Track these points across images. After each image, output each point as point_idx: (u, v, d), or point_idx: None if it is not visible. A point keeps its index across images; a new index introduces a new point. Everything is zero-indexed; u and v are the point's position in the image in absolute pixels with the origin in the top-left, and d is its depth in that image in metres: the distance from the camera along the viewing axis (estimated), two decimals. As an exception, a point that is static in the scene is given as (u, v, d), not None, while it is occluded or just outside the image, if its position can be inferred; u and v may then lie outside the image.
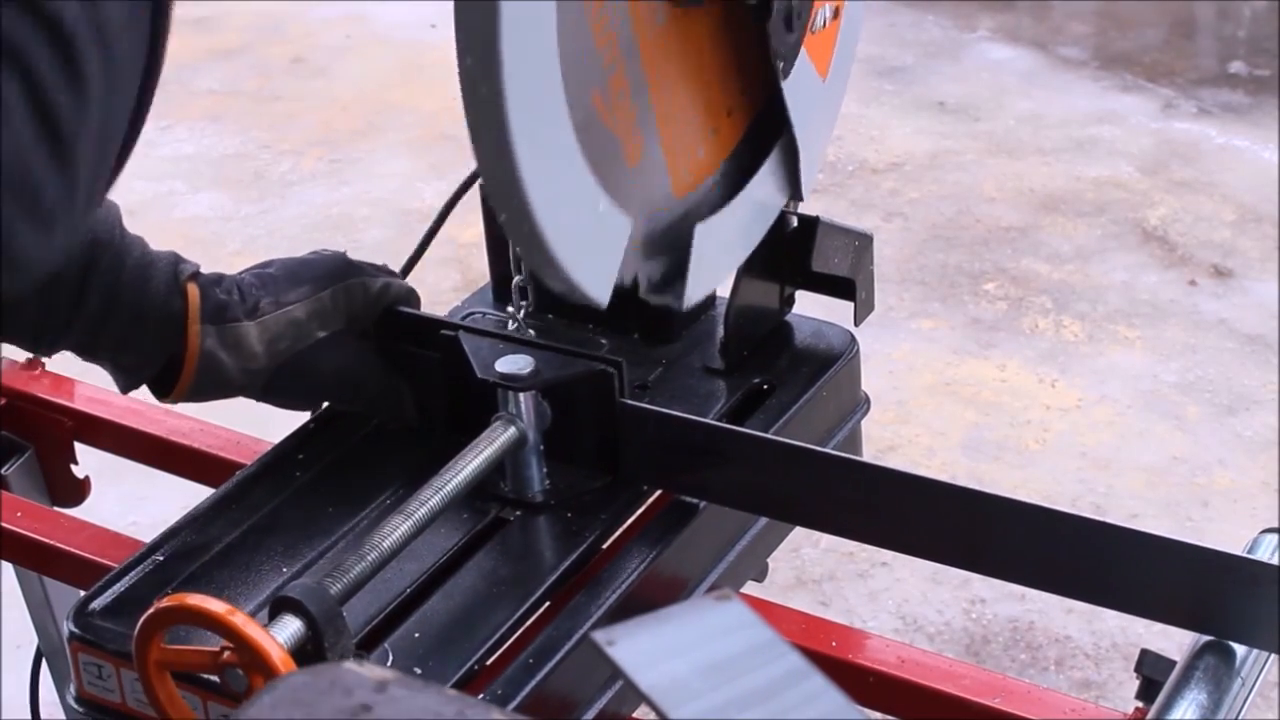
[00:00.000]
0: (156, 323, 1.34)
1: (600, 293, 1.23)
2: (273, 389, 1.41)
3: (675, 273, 1.37)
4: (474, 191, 1.57)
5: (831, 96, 1.51)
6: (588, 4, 1.19)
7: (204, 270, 1.41)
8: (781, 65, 1.39)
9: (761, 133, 1.44)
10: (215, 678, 1.13)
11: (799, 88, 1.42)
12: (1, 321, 1.31)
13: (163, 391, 1.39)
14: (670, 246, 1.36)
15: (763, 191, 1.44)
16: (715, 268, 1.42)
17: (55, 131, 0.89)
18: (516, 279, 1.51)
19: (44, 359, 1.81)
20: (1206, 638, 1.26)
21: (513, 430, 1.36)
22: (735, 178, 1.43)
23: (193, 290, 1.35)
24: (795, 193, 1.48)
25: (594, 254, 1.23)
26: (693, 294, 1.38)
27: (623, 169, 1.27)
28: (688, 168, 1.37)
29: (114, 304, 1.32)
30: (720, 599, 0.88)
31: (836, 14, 1.46)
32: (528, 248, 1.18)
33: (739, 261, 1.47)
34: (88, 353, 1.37)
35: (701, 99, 1.37)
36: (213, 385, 1.38)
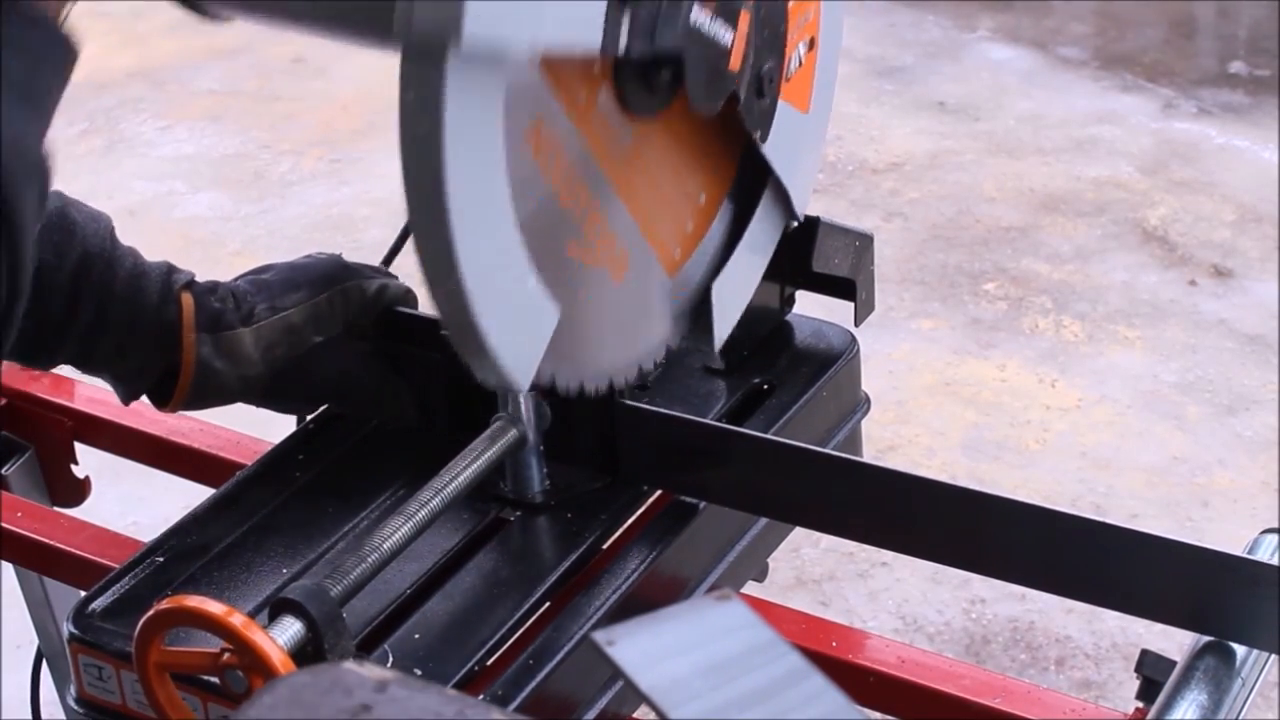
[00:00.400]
0: (150, 333, 1.34)
1: (522, 380, 1.16)
2: (271, 394, 1.41)
3: (702, 326, 1.38)
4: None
5: (817, 122, 1.45)
6: (547, 180, 1.17)
7: (202, 274, 1.41)
8: (759, 133, 1.34)
9: (748, 179, 1.41)
10: (215, 679, 1.13)
11: (781, 133, 1.37)
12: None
13: (161, 400, 1.39)
14: (689, 307, 1.37)
15: (761, 230, 1.43)
16: (735, 308, 1.42)
17: None
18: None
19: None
20: (1207, 638, 1.26)
21: (513, 431, 1.36)
22: (732, 227, 1.41)
23: (187, 299, 1.35)
24: (791, 216, 1.46)
25: (523, 342, 1.16)
26: (720, 340, 1.39)
27: (609, 289, 1.27)
28: (678, 245, 1.35)
29: (107, 315, 1.32)
30: (720, 599, 0.88)
31: (812, 44, 1.40)
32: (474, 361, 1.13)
33: (753, 289, 1.46)
34: (85, 364, 1.37)
35: (682, 183, 1.34)
36: (210, 393, 1.38)
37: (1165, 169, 4.45)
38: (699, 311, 1.38)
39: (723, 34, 1.24)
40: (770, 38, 1.32)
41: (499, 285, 1.11)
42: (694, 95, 1.24)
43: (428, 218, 1.05)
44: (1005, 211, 4.26)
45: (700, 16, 1.20)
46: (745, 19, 1.26)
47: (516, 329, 1.14)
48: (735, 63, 1.26)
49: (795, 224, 1.52)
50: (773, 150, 1.37)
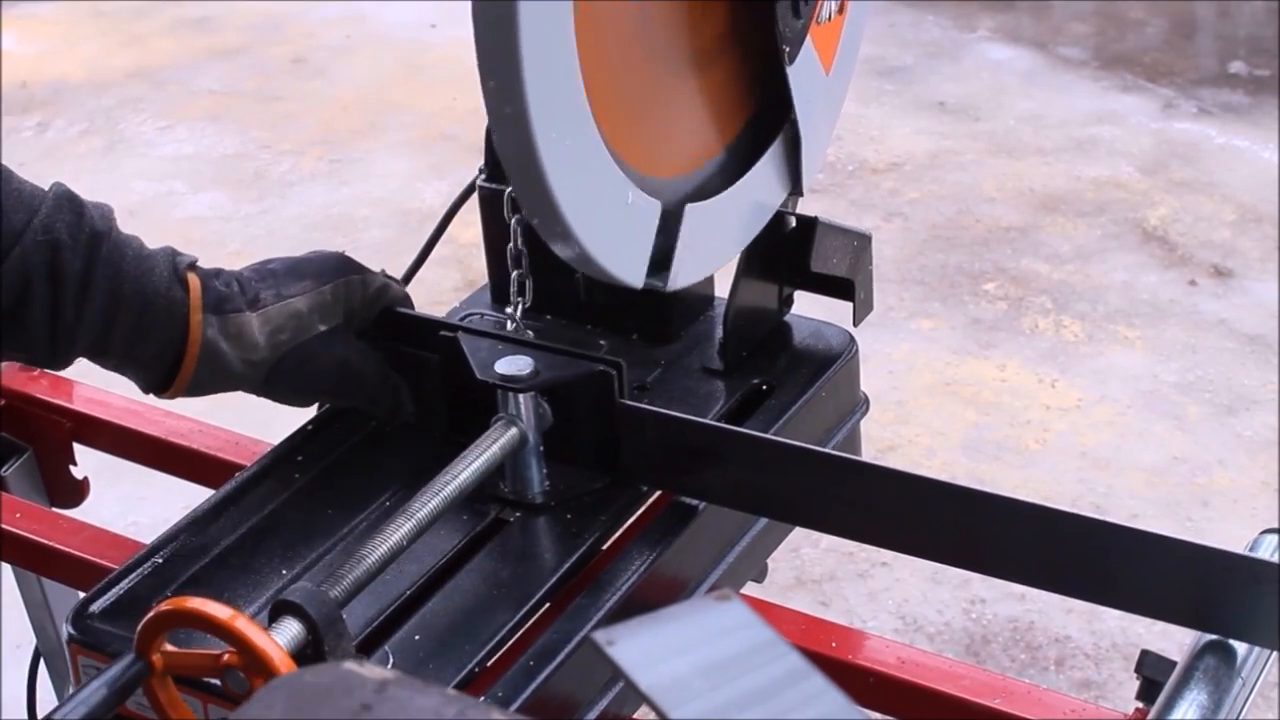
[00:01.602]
0: (163, 313, 1.34)
1: (635, 278, 1.31)
2: (273, 382, 1.41)
3: (664, 254, 1.36)
4: (472, 193, 1.58)
5: (834, 93, 1.51)
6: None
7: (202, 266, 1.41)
8: (787, 50, 1.40)
9: (764, 123, 1.45)
10: (216, 680, 1.13)
11: (803, 78, 1.43)
12: (21, 331, 1.31)
13: (163, 385, 1.39)
14: (663, 228, 1.36)
15: (762, 182, 1.44)
16: (706, 255, 1.42)
17: None
18: (515, 273, 1.50)
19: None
20: (1207, 638, 1.25)
21: (513, 431, 1.35)
22: (736, 167, 1.43)
23: (193, 280, 1.36)
24: (796, 186, 1.48)
25: (623, 240, 1.29)
26: (678, 276, 1.37)
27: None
28: (687, 147, 1.38)
29: (119, 295, 1.32)
30: (720, 599, 0.87)
31: (842, 9, 1.48)
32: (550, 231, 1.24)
33: (732, 253, 1.47)
34: (101, 354, 1.36)
35: (706, 79, 1.37)
36: (213, 378, 1.37)
37: (1165, 169, 4.45)
38: (665, 227, 1.36)
39: None
40: None
41: (600, 209, 1.23)
42: None
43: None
44: (1005, 211, 4.26)
45: None
46: None
47: (623, 239, 1.26)
48: None
49: (793, 217, 1.53)
50: (795, 86, 1.42)
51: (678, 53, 1.34)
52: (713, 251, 1.43)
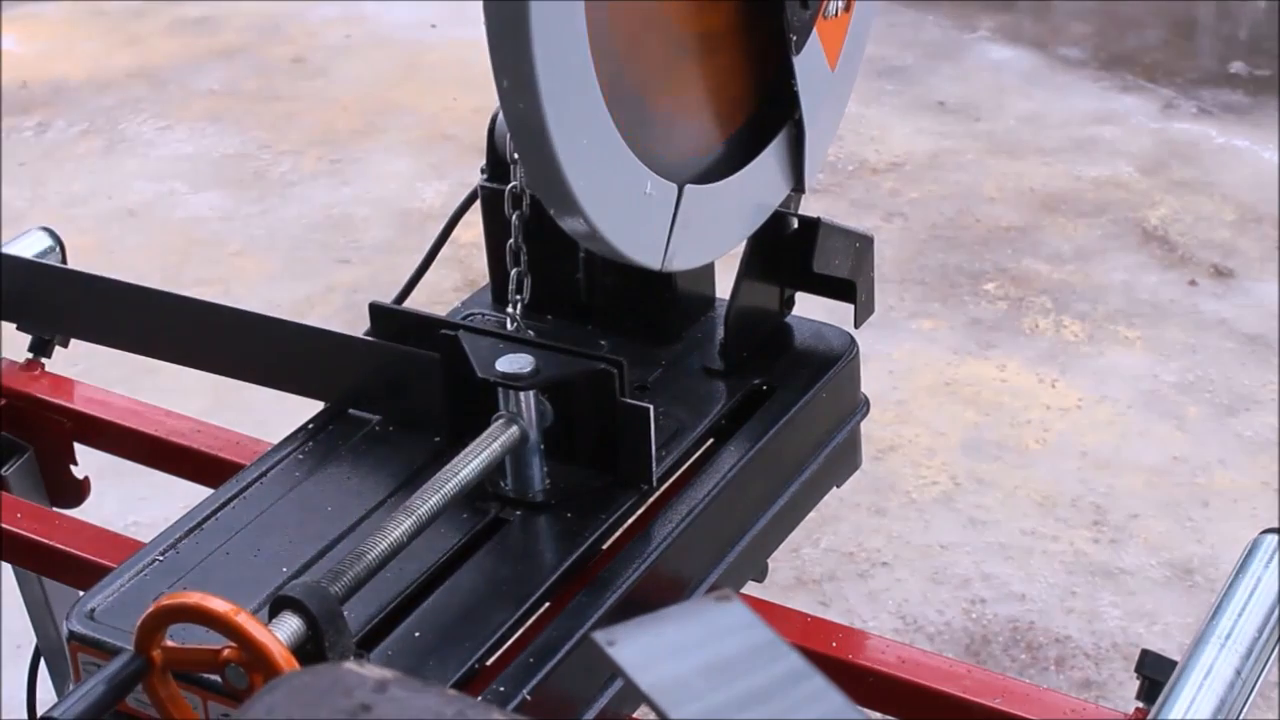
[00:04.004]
0: None
1: (653, 261, 1.34)
2: None
3: (657, 226, 1.39)
4: (475, 200, 1.58)
5: (839, 90, 1.53)
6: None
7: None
8: (794, 39, 1.42)
9: (770, 115, 1.46)
10: (216, 677, 1.13)
11: (808, 71, 1.45)
12: None
13: None
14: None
15: (765, 174, 1.44)
16: (704, 241, 1.43)
17: None
18: (514, 271, 1.50)
19: (44, 360, 1.80)
20: (1207, 638, 1.25)
21: (514, 429, 1.36)
22: (740, 156, 1.43)
23: None
24: (799, 183, 1.48)
25: (640, 226, 1.32)
26: (673, 259, 1.39)
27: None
28: (694, 132, 1.39)
29: None
30: (720, 599, 0.88)
31: (849, 7, 1.50)
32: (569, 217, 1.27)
33: (729, 244, 1.47)
34: None
35: (714, 66, 1.39)
36: None
37: (1165, 169, 4.45)
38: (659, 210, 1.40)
39: None
40: None
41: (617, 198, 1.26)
42: None
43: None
44: (1005, 211, 4.26)
45: None
46: None
47: (640, 225, 1.30)
48: None
49: (795, 218, 1.53)
50: (800, 78, 1.44)
51: (687, 39, 1.35)
52: (710, 238, 1.44)
